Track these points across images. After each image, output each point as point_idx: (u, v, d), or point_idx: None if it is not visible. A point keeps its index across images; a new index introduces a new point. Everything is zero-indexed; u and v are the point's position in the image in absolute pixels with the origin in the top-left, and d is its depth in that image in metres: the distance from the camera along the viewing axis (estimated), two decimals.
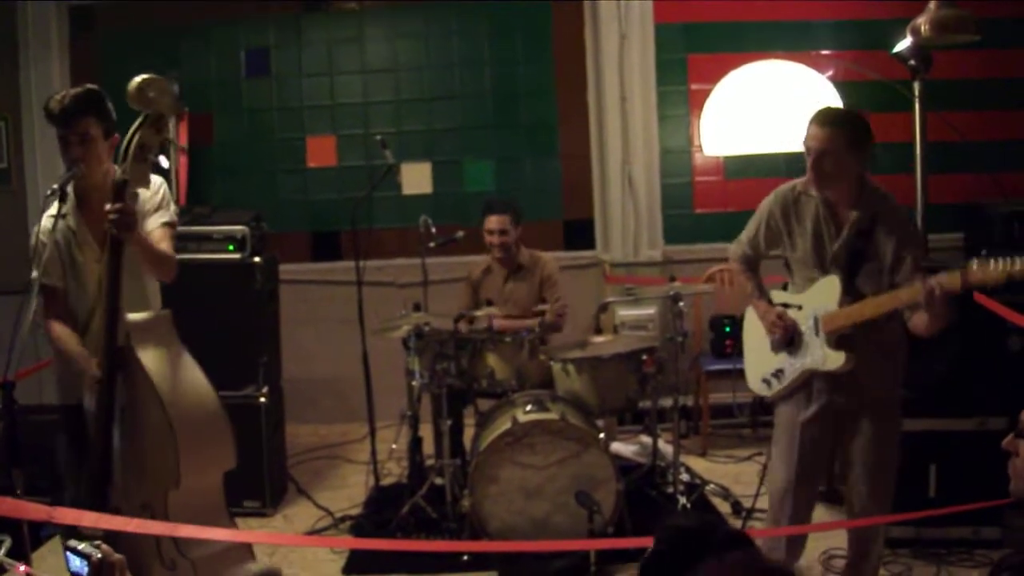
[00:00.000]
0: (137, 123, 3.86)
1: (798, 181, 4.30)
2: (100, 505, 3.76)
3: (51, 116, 4.00)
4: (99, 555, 2.30)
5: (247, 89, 8.42)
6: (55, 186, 3.85)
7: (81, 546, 2.33)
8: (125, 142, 3.86)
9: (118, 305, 3.81)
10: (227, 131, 8.40)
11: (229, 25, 8.38)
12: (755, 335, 4.51)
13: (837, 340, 4.12)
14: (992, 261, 3.66)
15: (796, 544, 4.48)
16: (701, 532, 2.00)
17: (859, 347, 4.11)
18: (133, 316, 3.94)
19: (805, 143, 4.11)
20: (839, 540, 4.90)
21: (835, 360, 4.12)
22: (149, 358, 3.85)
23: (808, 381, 4.27)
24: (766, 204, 4.42)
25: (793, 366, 4.30)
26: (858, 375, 4.15)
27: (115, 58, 8.21)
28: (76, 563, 2.35)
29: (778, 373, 4.36)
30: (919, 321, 3.98)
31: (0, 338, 3.68)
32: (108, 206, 3.78)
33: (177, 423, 3.77)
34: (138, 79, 3.81)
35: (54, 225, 3.94)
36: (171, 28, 8.32)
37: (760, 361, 4.47)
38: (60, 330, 4.14)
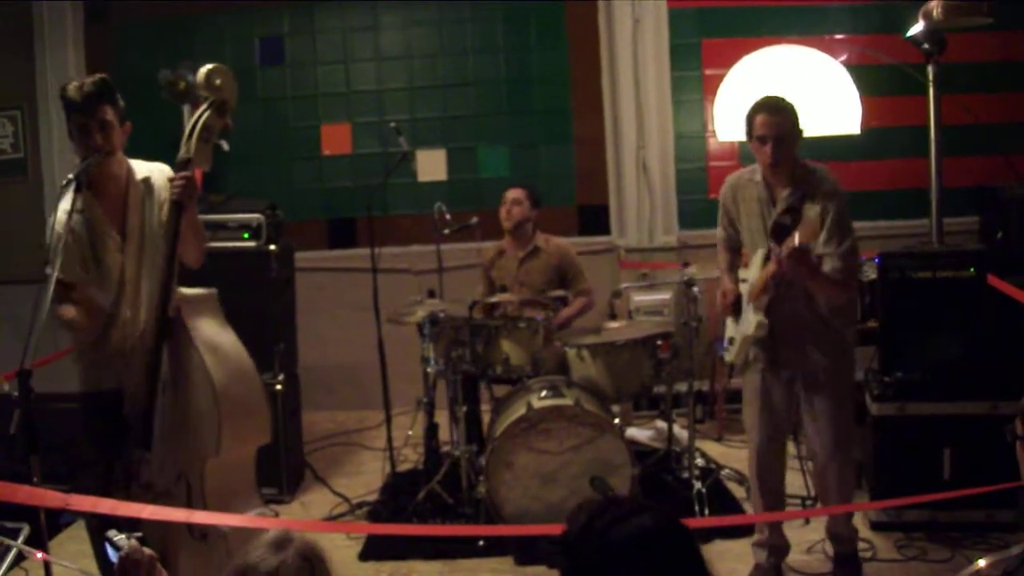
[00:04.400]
0: (204, 107, 4.05)
1: (745, 170, 4.70)
2: (130, 478, 3.90)
3: (71, 103, 3.99)
4: (127, 551, 2.31)
5: (262, 78, 8.43)
6: (71, 175, 3.87)
7: (118, 538, 2.34)
8: (191, 124, 4.03)
9: (173, 274, 3.94)
10: (242, 119, 8.36)
11: (243, 14, 8.40)
12: None
13: (766, 308, 4.48)
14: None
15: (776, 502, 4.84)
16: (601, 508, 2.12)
17: (797, 315, 4.49)
18: (185, 290, 4.09)
19: (757, 132, 4.43)
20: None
21: (751, 325, 4.49)
22: (198, 330, 3.98)
23: (750, 350, 4.64)
24: (721, 193, 4.83)
25: (739, 333, 4.67)
26: (796, 343, 4.52)
27: (130, 48, 8.24)
28: (113, 554, 2.36)
29: (732, 340, 4.76)
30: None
31: (17, 327, 3.71)
32: (174, 174, 4.00)
33: (221, 393, 3.88)
34: (206, 67, 4.04)
35: (69, 217, 3.95)
36: (185, 17, 8.34)
37: (728, 329, 4.85)
38: (69, 309, 4.07)
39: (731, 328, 4.78)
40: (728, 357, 4.83)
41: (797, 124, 4.46)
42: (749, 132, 4.49)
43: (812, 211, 4.30)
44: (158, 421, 3.92)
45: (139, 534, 2.37)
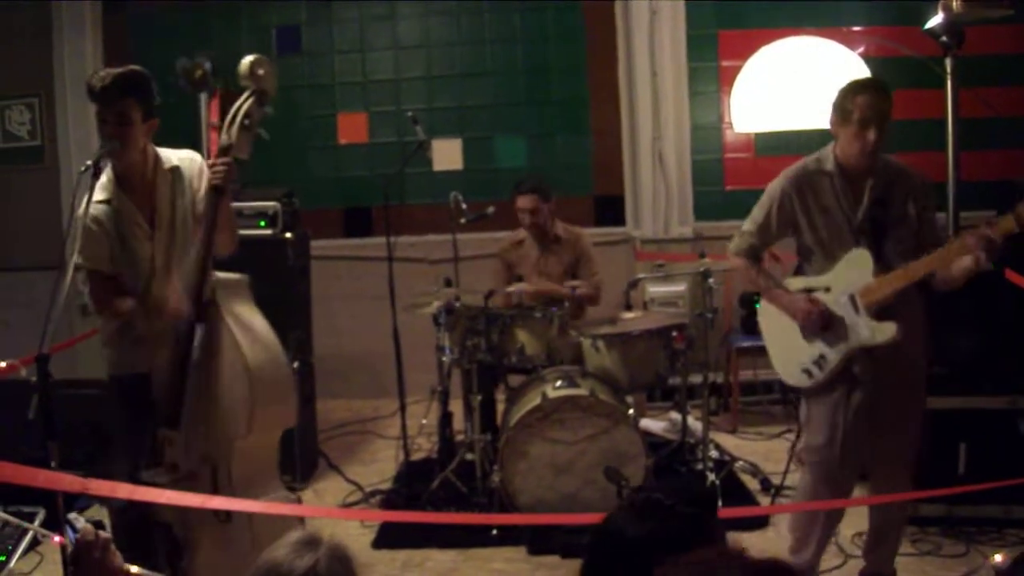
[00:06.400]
0: (245, 96, 4.10)
1: (807, 160, 4.26)
2: (157, 458, 3.92)
3: (91, 93, 4.05)
4: (80, 534, 2.31)
5: (278, 66, 8.32)
6: (89, 162, 3.89)
7: (77, 521, 2.36)
8: (232, 112, 4.07)
9: (209, 258, 3.96)
10: None
11: (260, 2, 8.41)
12: (776, 326, 4.36)
13: (878, 312, 4.05)
14: None
15: (832, 522, 4.48)
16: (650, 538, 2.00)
17: (899, 316, 4.03)
18: (221, 274, 4.10)
19: (860, 114, 3.97)
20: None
21: (884, 332, 4.02)
22: (233, 313, 4.02)
23: (849, 364, 4.15)
24: (778, 187, 4.29)
25: (836, 349, 4.14)
26: (902, 345, 4.05)
27: (147, 36, 8.27)
28: (73, 536, 2.39)
29: (820, 361, 4.19)
30: (956, 273, 3.93)
31: (35, 313, 3.71)
32: (214, 159, 4.04)
33: (256, 376, 3.93)
34: (249, 58, 4.12)
35: (86, 207, 3.96)
36: (202, 6, 8.37)
37: (793, 351, 4.29)
38: (122, 302, 4.19)
39: (808, 347, 4.22)
40: (809, 382, 4.26)
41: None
42: (843, 114, 4.03)
43: (906, 202, 4.07)
44: (188, 401, 3.94)
45: (97, 519, 2.38)
